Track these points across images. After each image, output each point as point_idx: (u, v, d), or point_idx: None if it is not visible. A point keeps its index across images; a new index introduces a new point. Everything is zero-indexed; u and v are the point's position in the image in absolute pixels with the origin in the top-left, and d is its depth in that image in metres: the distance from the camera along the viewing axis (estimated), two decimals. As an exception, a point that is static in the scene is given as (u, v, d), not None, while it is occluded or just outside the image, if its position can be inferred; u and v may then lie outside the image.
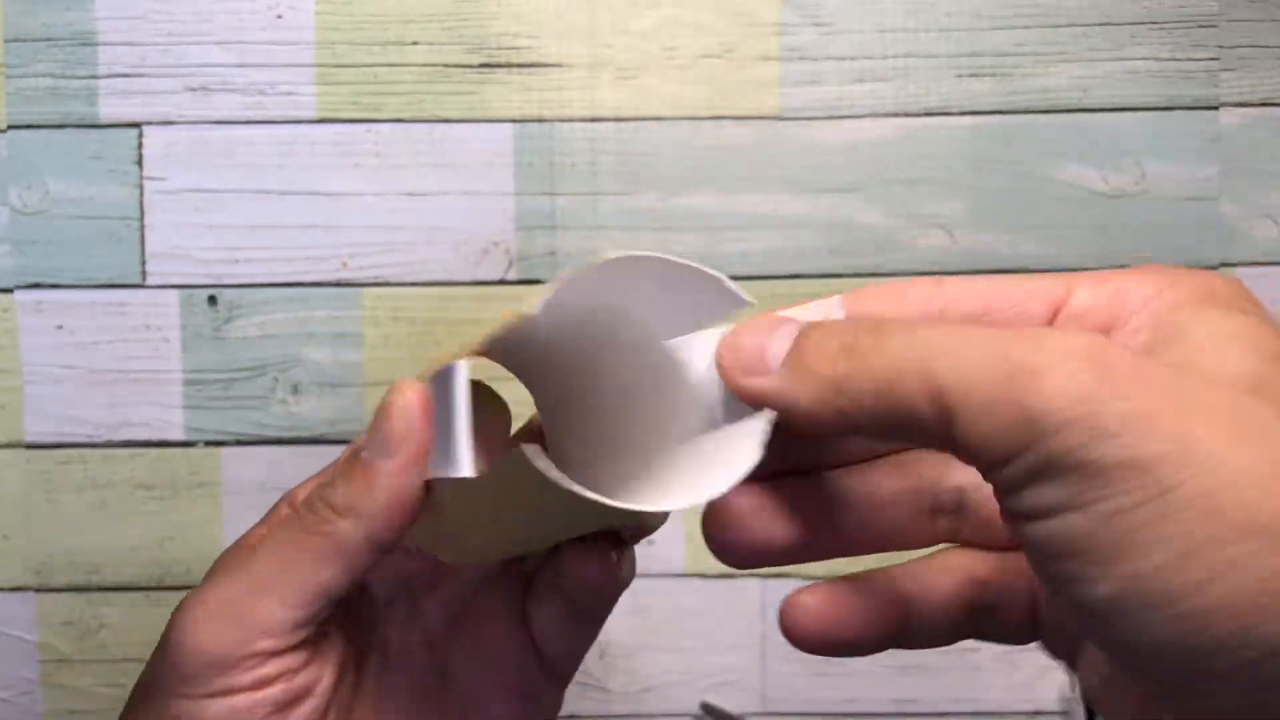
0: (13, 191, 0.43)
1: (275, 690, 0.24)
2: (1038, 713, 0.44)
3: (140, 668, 0.43)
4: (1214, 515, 0.16)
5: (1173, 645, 0.16)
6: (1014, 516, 0.18)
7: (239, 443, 0.43)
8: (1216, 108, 0.43)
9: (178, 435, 0.43)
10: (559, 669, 0.27)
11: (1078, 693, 0.43)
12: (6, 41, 0.43)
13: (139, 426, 0.43)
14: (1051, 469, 0.17)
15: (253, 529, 0.26)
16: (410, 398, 0.23)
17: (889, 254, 0.43)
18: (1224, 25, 0.43)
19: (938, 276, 0.22)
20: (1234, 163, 0.43)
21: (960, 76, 0.43)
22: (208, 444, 0.43)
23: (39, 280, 0.43)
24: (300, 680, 0.24)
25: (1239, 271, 0.43)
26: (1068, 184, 0.43)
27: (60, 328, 0.43)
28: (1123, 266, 0.43)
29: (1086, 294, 0.22)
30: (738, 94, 0.43)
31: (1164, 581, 0.16)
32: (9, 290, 0.43)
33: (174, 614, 0.25)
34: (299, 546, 0.24)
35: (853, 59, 0.43)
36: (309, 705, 0.24)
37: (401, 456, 0.23)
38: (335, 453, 0.42)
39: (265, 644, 0.24)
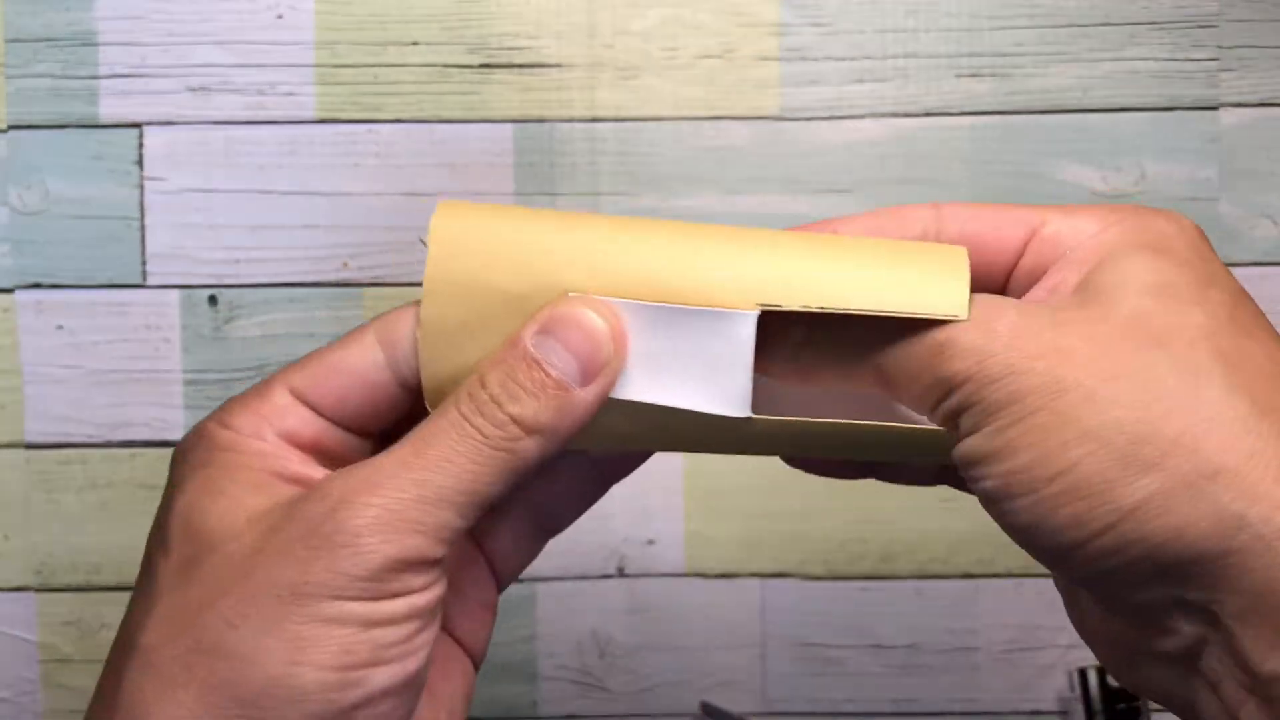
0: (13, 191, 0.43)
1: (439, 591, 0.24)
2: (1037, 713, 0.44)
3: (141, 667, 0.43)
4: (1062, 428, 0.21)
5: (1036, 526, 0.22)
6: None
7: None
8: (1216, 108, 0.43)
9: (178, 435, 0.43)
10: (504, 580, 0.28)
11: (1077, 692, 0.43)
12: (7, 42, 0.43)
13: (140, 426, 0.43)
14: (959, 410, 0.23)
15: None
16: (610, 321, 0.23)
17: (889, 254, 0.43)
18: (1224, 25, 0.43)
19: (936, 202, 0.26)
20: (1234, 163, 0.43)
21: (960, 77, 0.43)
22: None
23: (39, 280, 0.43)
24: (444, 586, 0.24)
25: (1239, 271, 0.43)
26: (1068, 184, 0.43)
27: (61, 328, 0.43)
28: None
29: (1053, 226, 0.25)
30: (738, 94, 0.43)
31: (1027, 476, 0.22)
32: (9, 290, 0.43)
33: (327, 513, 0.23)
34: (477, 459, 0.23)
35: (852, 59, 0.43)
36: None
37: (599, 386, 0.23)
38: (335, 453, 0.43)
39: (438, 551, 0.23)
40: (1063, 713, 0.44)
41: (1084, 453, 0.21)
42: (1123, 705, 0.43)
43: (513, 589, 0.31)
